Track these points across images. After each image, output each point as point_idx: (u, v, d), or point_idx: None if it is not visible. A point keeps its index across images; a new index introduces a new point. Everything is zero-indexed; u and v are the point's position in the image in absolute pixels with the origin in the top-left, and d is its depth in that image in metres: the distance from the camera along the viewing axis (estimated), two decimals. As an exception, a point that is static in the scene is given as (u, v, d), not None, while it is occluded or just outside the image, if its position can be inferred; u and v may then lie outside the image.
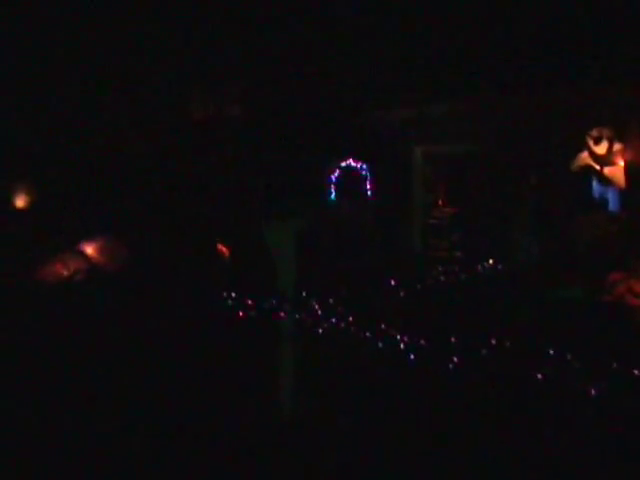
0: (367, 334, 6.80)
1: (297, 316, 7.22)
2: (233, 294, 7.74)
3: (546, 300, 8.71)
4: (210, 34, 12.95)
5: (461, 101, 12.36)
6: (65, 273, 9.87)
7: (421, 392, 6.65)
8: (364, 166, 13.27)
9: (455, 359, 6.28)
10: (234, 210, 11.81)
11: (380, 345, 6.67)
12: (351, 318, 7.09)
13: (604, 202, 10.68)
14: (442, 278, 9.43)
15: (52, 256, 9.99)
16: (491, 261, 10.10)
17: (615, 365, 5.69)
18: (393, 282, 8.78)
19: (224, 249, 10.71)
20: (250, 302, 7.54)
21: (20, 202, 11.78)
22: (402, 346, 6.59)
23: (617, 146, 10.71)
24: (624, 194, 10.65)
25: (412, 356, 6.51)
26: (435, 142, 12.97)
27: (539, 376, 5.93)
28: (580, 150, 10.88)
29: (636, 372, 5.39)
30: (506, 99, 12.00)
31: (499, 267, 10.00)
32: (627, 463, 5.38)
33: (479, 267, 10.03)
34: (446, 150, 12.93)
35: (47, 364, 7.52)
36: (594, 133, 10.73)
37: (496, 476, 5.68)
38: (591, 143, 10.74)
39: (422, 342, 6.54)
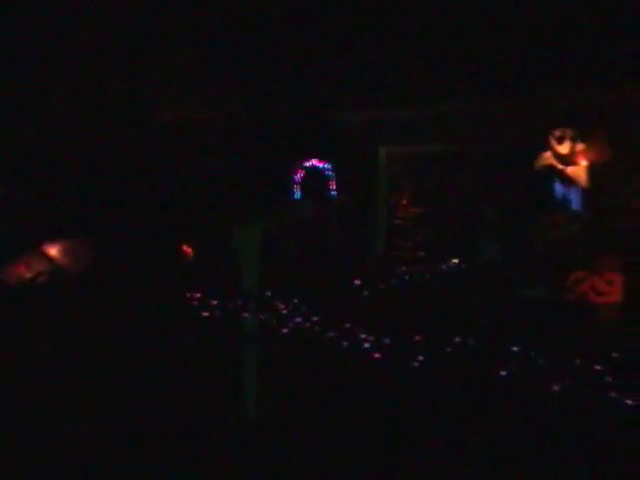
0: (331, 333, 6.78)
1: (261, 316, 7.18)
2: (197, 294, 7.69)
3: (510, 299, 8.75)
4: (179, 36, 12.89)
5: (427, 103, 12.40)
6: (28, 275, 9.75)
7: (386, 390, 6.65)
8: (328, 166, 13.26)
9: (420, 357, 6.28)
10: (199, 210, 11.75)
11: (345, 344, 6.65)
12: (315, 318, 7.07)
13: (567, 202, 10.74)
14: (406, 277, 9.44)
15: (15, 257, 9.87)
16: (455, 261, 10.13)
17: (578, 361, 5.71)
18: (357, 282, 8.76)
19: (188, 249, 10.64)
20: (214, 302, 7.49)
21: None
22: (367, 345, 6.57)
23: (580, 146, 10.80)
24: (587, 194, 10.73)
25: (377, 355, 6.49)
26: (400, 142, 12.98)
27: (503, 373, 5.93)
28: (543, 150, 10.95)
29: (598, 368, 5.41)
30: (471, 102, 12.05)
31: (463, 267, 10.03)
32: (589, 457, 5.41)
33: (443, 267, 10.06)
34: (411, 150, 12.94)
35: (7, 365, 7.43)
36: (557, 133, 10.80)
37: (461, 473, 5.69)
38: (554, 143, 10.81)
39: (386, 341, 6.53)
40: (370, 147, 13.13)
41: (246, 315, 7.13)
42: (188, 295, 7.70)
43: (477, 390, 6.13)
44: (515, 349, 6.17)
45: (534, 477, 5.45)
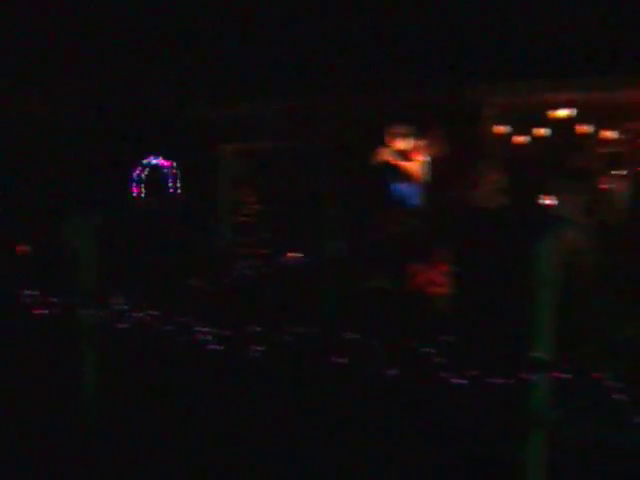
0: (171, 328, 6.73)
1: (99, 312, 7.03)
2: (32, 292, 7.48)
3: (353, 291, 8.91)
4: (16, 30, 12.54)
5: (269, 101, 12.47)
6: None
7: (226, 382, 6.65)
8: (172, 163, 13.16)
9: (260, 348, 6.31)
10: (33, 207, 11.44)
11: (184, 338, 6.62)
12: (155, 313, 7.00)
13: (405, 197, 10.97)
14: (249, 272, 9.48)
15: None
16: (298, 256, 10.23)
17: (415, 347, 5.87)
18: (201, 278, 8.75)
19: (23, 247, 10.36)
20: (50, 299, 7.31)
21: None
22: (207, 338, 6.56)
23: (417, 142, 11.06)
24: (424, 189, 11.01)
25: (218, 346, 6.49)
26: (245, 139, 13.01)
27: (343, 360, 6.03)
28: (381, 146, 11.16)
29: (432, 350, 5.59)
30: (312, 99, 12.20)
31: (307, 261, 10.15)
32: (420, 438, 5.58)
33: (286, 262, 10.14)
34: (255, 147, 12.99)
35: None
36: (395, 129, 11.03)
37: (302, 459, 5.76)
38: (392, 139, 11.03)
39: (227, 333, 6.54)
40: (214, 144, 13.11)
41: (83, 311, 6.97)
42: (23, 292, 7.49)
43: (316, 378, 6.21)
44: (356, 337, 6.27)
45: (373, 458, 5.58)
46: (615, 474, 5.25)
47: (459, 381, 5.31)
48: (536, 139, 13.93)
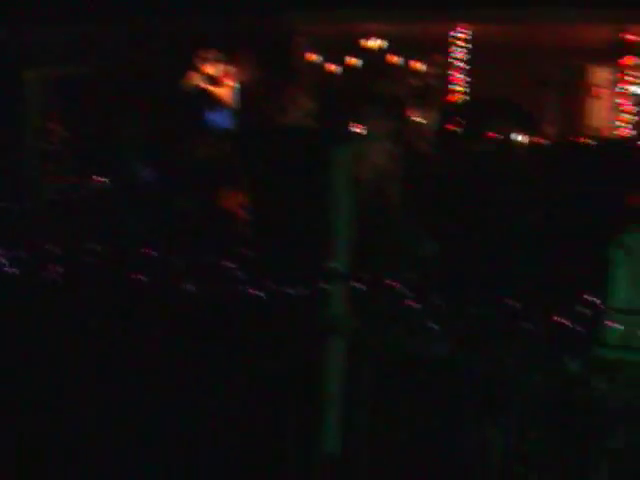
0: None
1: None
2: None
3: (159, 213, 8.85)
4: None
5: (73, 24, 12.12)
6: None
7: (24, 304, 6.49)
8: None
9: (60, 269, 6.19)
10: None
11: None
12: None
13: (215, 122, 10.92)
14: (54, 197, 9.28)
15: None
16: (104, 180, 10.05)
17: (216, 263, 5.90)
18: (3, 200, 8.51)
19: None
20: None
21: None
22: (4, 260, 6.39)
23: (227, 67, 11.01)
24: (234, 114, 11.01)
25: (16, 269, 6.34)
26: (49, 64, 12.59)
27: (145, 279, 6.00)
28: (190, 70, 11.04)
29: (233, 265, 5.64)
30: (118, 22, 11.95)
31: (113, 186, 9.98)
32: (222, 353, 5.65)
33: (92, 187, 9.95)
34: (61, 72, 12.58)
35: None
36: (204, 54, 10.93)
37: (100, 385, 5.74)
38: (201, 64, 10.93)
39: (26, 255, 6.38)
40: (16, 68, 12.60)
41: None
42: None
43: (117, 296, 6.16)
44: (158, 255, 6.25)
45: (171, 375, 5.62)
46: (410, 379, 5.46)
47: (259, 294, 5.40)
48: (347, 67, 14.18)
